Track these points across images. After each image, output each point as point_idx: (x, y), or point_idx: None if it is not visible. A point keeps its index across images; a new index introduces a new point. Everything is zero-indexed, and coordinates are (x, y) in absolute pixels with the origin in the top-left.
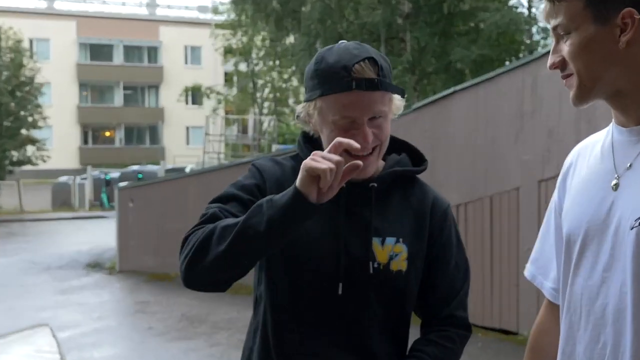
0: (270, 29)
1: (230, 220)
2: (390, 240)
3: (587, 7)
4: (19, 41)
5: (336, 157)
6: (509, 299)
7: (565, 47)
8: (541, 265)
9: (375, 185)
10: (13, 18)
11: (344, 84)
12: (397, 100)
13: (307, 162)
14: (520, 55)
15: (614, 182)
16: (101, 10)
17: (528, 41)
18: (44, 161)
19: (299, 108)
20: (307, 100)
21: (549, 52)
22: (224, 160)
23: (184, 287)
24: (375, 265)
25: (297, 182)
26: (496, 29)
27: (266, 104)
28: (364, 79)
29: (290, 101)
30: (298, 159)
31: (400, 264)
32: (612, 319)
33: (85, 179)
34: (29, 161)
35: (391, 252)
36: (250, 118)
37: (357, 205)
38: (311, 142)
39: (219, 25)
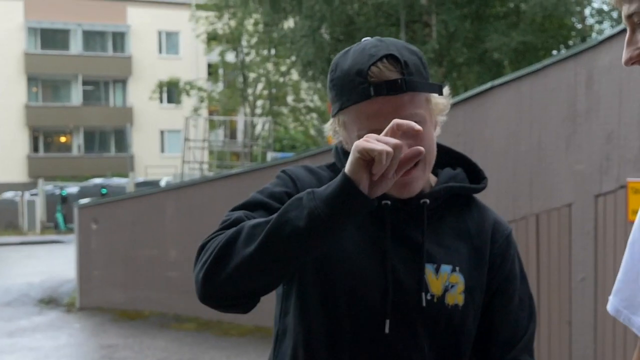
0: (264, 10)
1: (261, 219)
2: (445, 269)
3: None
4: None
5: (394, 140)
6: (559, 339)
7: None
8: (626, 297)
9: (428, 201)
10: None
11: (360, 92)
12: (439, 99)
13: (360, 142)
14: (571, 42)
15: None
16: None
17: (580, 26)
18: None
19: (328, 125)
20: (332, 116)
21: (606, 39)
22: (207, 172)
23: (159, 328)
24: (428, 298)
25: (347, 167)
26: (541, 11)
27: (259, 103)
28: (383, 82)
29: (289, 99)
30: (336, 170)
31: (456, 297)
32: None
33: (35, 194)
34: None
35: (446, 282)
36: (240, 120)
37: (405, 226)
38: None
39: (201, 6)
